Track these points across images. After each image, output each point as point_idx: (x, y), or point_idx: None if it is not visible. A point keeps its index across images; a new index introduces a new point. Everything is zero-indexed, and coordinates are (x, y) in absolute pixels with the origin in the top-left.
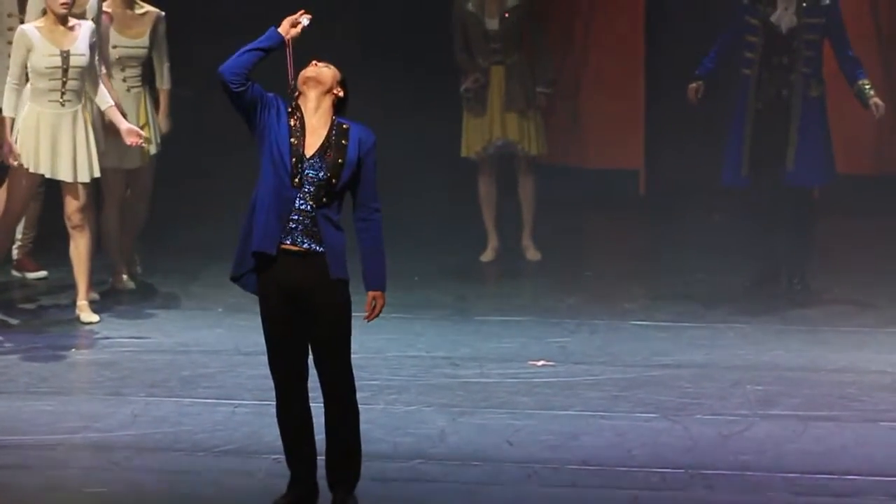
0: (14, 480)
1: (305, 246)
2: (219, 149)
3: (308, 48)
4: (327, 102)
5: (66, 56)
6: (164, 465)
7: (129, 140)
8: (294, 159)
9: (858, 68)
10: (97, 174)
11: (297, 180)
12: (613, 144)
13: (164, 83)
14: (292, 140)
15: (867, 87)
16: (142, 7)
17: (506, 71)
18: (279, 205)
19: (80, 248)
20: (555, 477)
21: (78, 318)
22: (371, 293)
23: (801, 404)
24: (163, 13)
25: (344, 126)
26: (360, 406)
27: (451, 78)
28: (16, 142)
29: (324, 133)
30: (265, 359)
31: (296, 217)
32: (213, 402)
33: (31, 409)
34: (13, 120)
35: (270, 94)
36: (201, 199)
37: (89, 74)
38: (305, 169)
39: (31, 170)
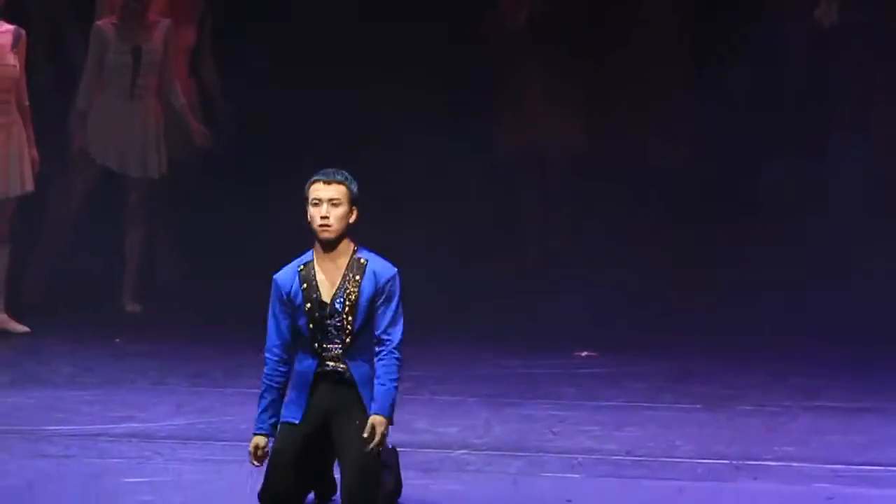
0: (57, 470)
1: (339, 371)
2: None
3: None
4: (343, 237)
5: (138, 53)
6: (208, 455)
7: (198, 141)
8: (311, 325)
9: None
10: (164, 170)
11: (316, 346)
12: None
13: (176, 99)
14: (307, 305)
15: None
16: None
17: (540, 70)
18: (303, 375)
19: (133, 241)
20: (598, 467)
21: (123, 308)
22: (371, 417)
23: (845, 395)
24: (172, 22)
25: (362, 261)
26: (404, 396)
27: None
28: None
29: (342, 269)
30: None
31: (327, 365)
32: (257, 392)
33: (75, 398)
34: (87, 114)
35: (283, 296)
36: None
37: (163, 71)
38: (327, 326)
39: (99, 162)
